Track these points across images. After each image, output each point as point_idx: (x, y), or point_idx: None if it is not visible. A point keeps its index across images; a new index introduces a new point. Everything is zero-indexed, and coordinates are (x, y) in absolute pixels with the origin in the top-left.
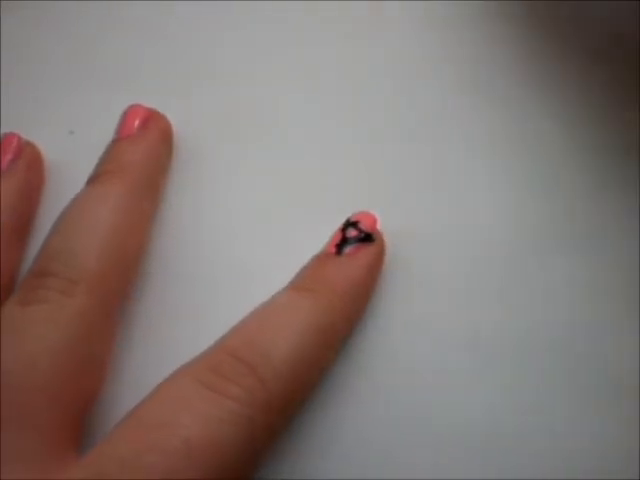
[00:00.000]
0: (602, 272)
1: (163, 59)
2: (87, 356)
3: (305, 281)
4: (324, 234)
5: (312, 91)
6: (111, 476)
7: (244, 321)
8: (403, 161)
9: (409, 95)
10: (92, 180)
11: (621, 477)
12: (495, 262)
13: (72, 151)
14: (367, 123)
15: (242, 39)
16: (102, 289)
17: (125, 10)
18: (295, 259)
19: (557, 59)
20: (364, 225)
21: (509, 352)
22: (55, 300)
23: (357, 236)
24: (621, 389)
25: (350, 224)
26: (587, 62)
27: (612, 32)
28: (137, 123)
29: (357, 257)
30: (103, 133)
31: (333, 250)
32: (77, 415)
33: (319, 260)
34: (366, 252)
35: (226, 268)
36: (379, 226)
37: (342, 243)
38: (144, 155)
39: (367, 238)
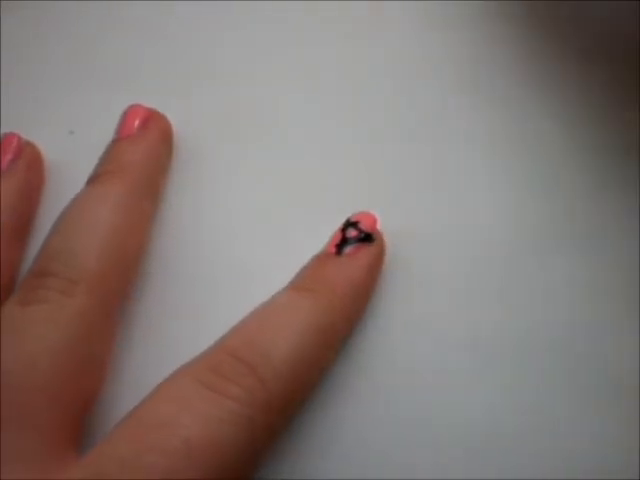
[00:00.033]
0: (602, 272)
1: (163, 59)
2: (87, 356)
3: (305, 281)
4: (324, 234)
5: (312, 91)
6: (111, 476)
7: (244, 321)
8: (403, 161)
9: (409, 95)
10: (92, 180)
11: (621, 477)
12: (495, 262)
13: (72, 151)
14: (367, 123)
15: (242, 39)
16: (102, 289)
17: (125, 10)
18: (295, 259)
19: (557, 59)
20: (364, 225)
21: (509, 352)
22: (55, 300)
23: (357, 236)
24: (621, 389)
25: (350, 224)
26: (587, 62)
27: (612, 32)
28: (137, 123)
29: (357, 257)
30: (103, 133)
31: (333, 250)
32: (77, 415)
33: (319, 260)
34: (366, 252)
35: (226, 268)
36: (379, 226)
37: (342, 243)
38: (144, 155)
39: (367, 238)
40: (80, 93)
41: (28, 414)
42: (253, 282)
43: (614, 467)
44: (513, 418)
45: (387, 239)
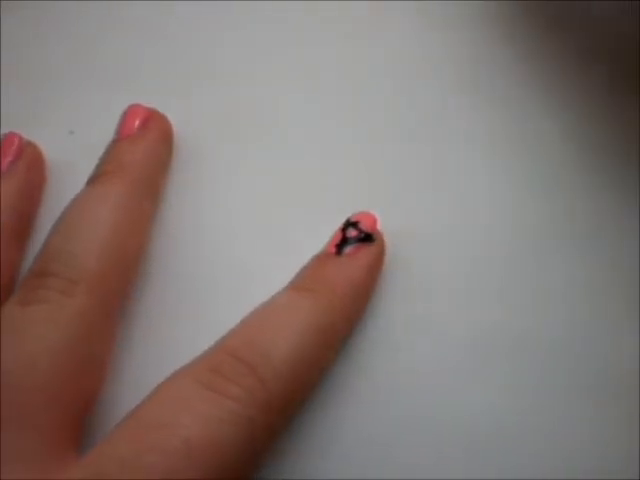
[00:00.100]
0: (601, 272)
1: (163, 59)
2: (87, 356)
3: (305, 281)
4: (324, 234)
5: (312, 91)
6: (111, 476)
7: (244, 321)
8: (403, 161)
9: (409, 95)
10: (92, 180)
11: (621, 477)
12: (495, 262)
13: (72, 151)
14: (367, 123)
15: (242, 39)
16: (102, 289)
17: (125, 10)
18: (295, 259)
19: (557, 59)
20: (364, 225)
21: (509, 352)
22: (55, 300)
23: (357, 236)
24: (621, 389)
25: (350, 224)
26: (587, 62)
27: (612, 32)
28: (137, 123)
29: (357, 257)
30: (103, 133)
31: (333, 250)
32: (77, 415)
33: (319, 260)
34: (366, 252)
35: (226, 268)
36: (379, 226)
37: (342, 243)
38: (144, 155)
39: (367, 238)
40: (80, 93)
41: (28, 414)
42: (253, 282)
43: (614, 467)
44: (513, 418)
45: (387, 239)
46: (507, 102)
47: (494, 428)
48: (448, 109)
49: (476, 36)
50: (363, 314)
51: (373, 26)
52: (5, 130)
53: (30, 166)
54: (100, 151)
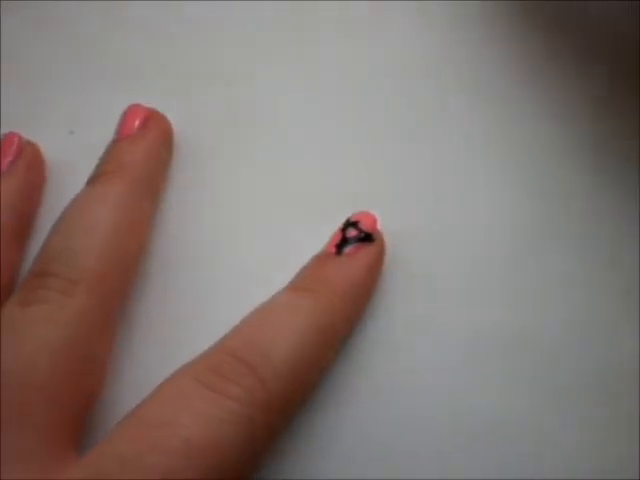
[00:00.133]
0: (599, 272)
1: (163, 59)
2: (87, 356)
3: (305, 281)
4: (324, 234)
5: (312, 91)
6: (111, 476)
7: (244, 321)
8: (403, 161)
9: (409, 95)
10: (92, 180)
11: (621, 477)
12: (494, 262)
13: (72, 151)
14: (367, 123)
15: (242, 39)
16: (102, 289)
17: (125, 10)
18: (295, 259)
19: (556, 59)
20: (364, 225)
21: (509, 352)
22: (55, 300)
23: (357, 236)
24: (621, 389)
25: (350, 224)
26: (586, 62)
27: (612, 32)
28: (137, 123)
29: (357, 257)
30: (103, 133)
31: (333, 250)
32: (77, 415)
33: (319, 260)
34: (366, 252)
35: (226, 268)
36: (379, 226)
37: (342, 243)
38: (144, 155)
39: (367, 238)
40: (80, 93)
41: (28, 414)
42: (253, 282)
43: (614, 467)
44: (513, 418)
45: (387, 239)
46: (507, 102)
47: (494, 428)
48: (448, 109)
49: (476, 36)
50: (363, 314)
51: (373, 26)
52: (5, 130)
53: (30, 166)
54: (100, 151)
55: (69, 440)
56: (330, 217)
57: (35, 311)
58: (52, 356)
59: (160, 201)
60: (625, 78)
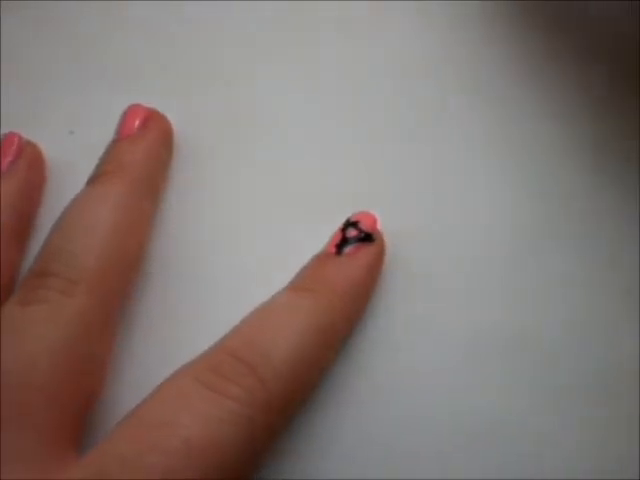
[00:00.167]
0: (599, 272)
1: (163, 59)
2: (87, 355)
3: (305, 281)
4: (324, 234)
5: (312, 91)
6: (111, 475)
7: (244, 321)
8: (403, 161)
9: (409, 95)
10: (92, 180)
11: (621, 477)
12: (494, 262)
13: (72, 151)
14: (367, 123)
15: (242, 39)
16: (102, 289)
17: (125, 10)
18: (295, 259)
19: (556, 59)
20: (364, 225)
21: (509, 352)
22: (55, 300)
23: (357, 236)
24: (621, 389)
25: (350, 224)
26: (586, 62)
27: (612, 32)
28: (137, 123)
29: (357, 257)
30: (103, 133)
31: (333, 250)
32: (77, 415)
33: (319, 260)
34: (366, 252)
35: (226, 268)
36: (379, 226)
37: (342, 243)
38: (144, 155)
39: (367, 238)
40: (80, 93)
41: (28, 414)
42: (253, 282)
43: (614, 467)
44: (513, 418)
45: (387, 239)
46: (507, 102)
47: (494, 428)
48: (448, 109)
49: (476, 36)
50: (363, 314)
51: (373, 26)
52: (5, 130)
53: (30, 166)
54: (100, 151)
55: (69, 440)
56: (330, 217)
57: (35, 311)
58: (52, 356)
59: (160, 201)
60: (625, 78)
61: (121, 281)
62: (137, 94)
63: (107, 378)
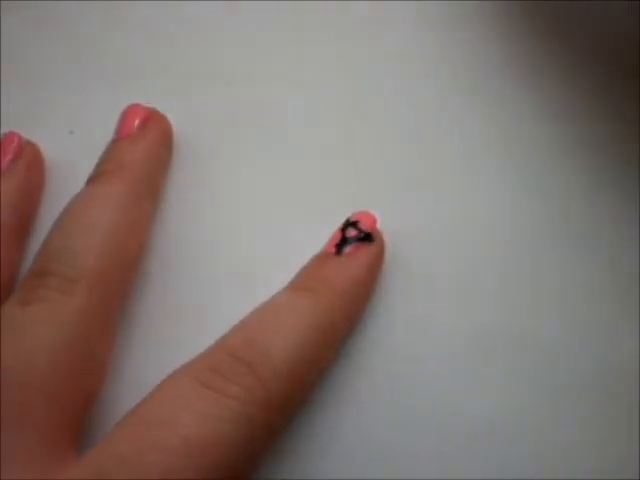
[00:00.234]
0: (598, 272)
1: (163, 59)
2: (86, 355)
3: (305, 281)
4: (324, 234)
5: (312, 91)
6: (111, 475)
7: (244, 321)
8: (403, 161)
9: (409, 95)
10: (92, 180)
11: (621, 477)
12: (493, 262)
13: (72, 151)
14: (367, 123)
15: (242, 39)
16: (102, 288)
17: (125, 10)
18: (295, 259)
19: (556, 59)
20: (364, 225)
21: (509, 352)
22: (55, 299)
23: (357, 236)
24: (620, 389)
25: (350, 224)
26: (586, 62)
27: (612, 32)
28: (137, 123)
29: (357, 257)
30: (103, 133)
31: (333, 250)
32: (76, 414)
33: (319, 260)
34: (366, 252)
35: (226, 268)
36: (379, 226)
37: (342, 243)
38: (144, 155)
39: (367, 238)
40: (80, 93)
41: (27, 413)
42: (253, 282)
43: (614, 467)
44: (512, 418)
45: (387, 239)
46: (507, 102)
47: (494, 428)
48: (448, 109)
49: (476, 36)
50: (363, 314)
51: (373, 26)
52: (5, 130)
53: (30, 165)
54: (100, 151)
55: (69, 440)
56: (330, 217)
57: (35, 310)
58: (52, 355)
59: (160, 201)
60: (625, 78)
61: (121, 281)
62: (137, 94)
63: (107, 378)
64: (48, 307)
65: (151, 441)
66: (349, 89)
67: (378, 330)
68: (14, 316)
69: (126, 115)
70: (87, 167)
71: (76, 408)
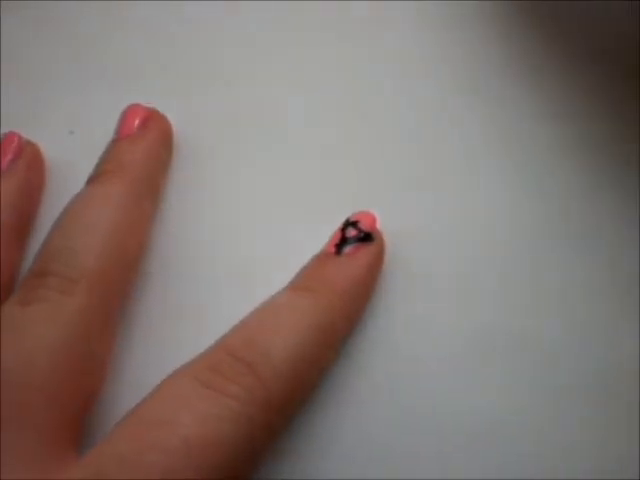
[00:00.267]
0: (597, 272)
1: (163, 59)
2: (86, 354)
3: (305, 281)
4: (324, 234)
5: (312, 91)
6: (111, 475)
7: (244, 321)
8: (403, 161)
9: (409, 95)
10: (92, 180)
11: (621, 477)
12: (493, 262)
13: (72, 151)
14: (367, 123)
15: (242, 39)
16: (102, 288)
17: (125, 10)
18: (295, 259)
19: (556, 59)
20: (364, 225)
21: (509, 352)
22: (55, 299)
23: (357, 236)
24: (620, 389)
25: (350, 224)
26: (586, 62)
27: (612, 32)
28: (137, 123)
29: (357, 257)
30: (103, 133)
31: (333, 250)
32: (76, 414)
33: (319, 260)
34: (366, 251)
35: (226, 268)
36: (379, 226)
37: (342, 243)
38: (144, 155)
39: (367, 238)
40: (80, 93)
41: (27, 413)
42: (253, 282)
43: (614, 467)
44: (513, 418)
45: (387, 239)
46: (507, 102)
47: (494, 428)
48: (448, 109)
49: (476, 36)
50: (363, 314)
51: (373, 26)
52: (5, 130)
53: (30, 165)
54: (100, 151)
55: (69, 440)
56: (330, 217)
57: (35, 310)
58: (52, 355)
59: (160, 201)
60: (625, 78)
61: (121, 280)
62: (137, 94)
63: (107, 378)
64: (48, 307)
65: (151, 441)
66: (349, 89)
67: (378, 330)
68: (14, 316)
69: (126, 115)
70: (87, 167)
71: (76, 408)
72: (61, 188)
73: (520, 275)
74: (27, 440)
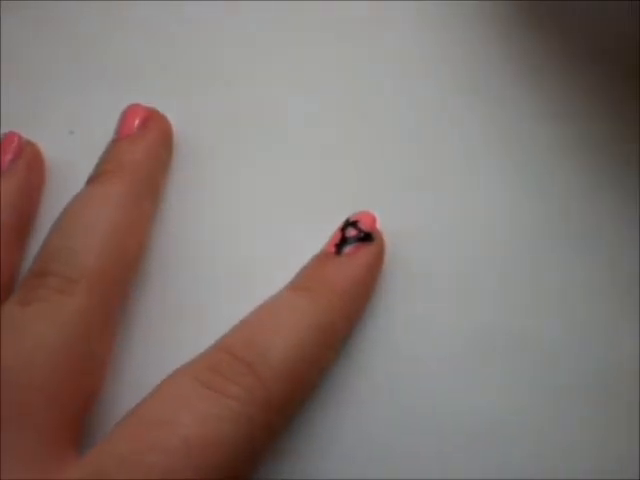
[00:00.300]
0: (599, 272)
1: (163, 59)
2: (86, 354)
3: (304, 281)
4: (324, 234)
5: (312, 91)
6: (110, 475)
7: (244, 321)
8: (403, 161)
9: (409, 95)
10: (92, 180)
11: (621, 477)
12: (493, 262)
13: (72, 151)
14: (367, 123)
15: (242, 39)
16: (102, 288)
17: (125, 10)
18: (295, 259)
19: (556, 59)
20: (363, 225)
21: (509, 352)
22: (55, 299)
23: (356, 236)
24: (620, 389)
25: (349, 224)
26: (586, 62)
27: (612, 32)
28: (137, 123)
29: (357, 257)
30: (103, 133)
31: (333, 250)
32: (76, 414)
33: (319, 260)
34: (366, 251)
35: (226, 268)
36: (379, 226)
37: (342, 243)
38: (144, 155)
39: (367, 237)
40: (80, 93)
41: (27, 413)
42: (253, 282)
43: (614, 467)
44: (513, 418)
45: (387, 239)
46: (507, 102)
47: (494, 428)
48: (448, 109)
49: (476, 36)
50: (363, 314)
51: (373, 26)
52: (5, 130)
53: (30, 165)
54: (100, 151)
55: (69, 440)
56: (330, 217)
57: (35, 310)
58: (52, 355)
59: (160, 201)
60: (625, 78)
61: (121, 280)
62: (137, 94)
63: (107, 378)
64: (48, 307)
65: (151, 441)
66: (349, 89)
67: (378, 330)
68: (14, 316)
69: (126, 115)
70: (87, 167)
71: (76, 408)
72: (61, 188)
73: (520, 275)
74: (27, 440)
